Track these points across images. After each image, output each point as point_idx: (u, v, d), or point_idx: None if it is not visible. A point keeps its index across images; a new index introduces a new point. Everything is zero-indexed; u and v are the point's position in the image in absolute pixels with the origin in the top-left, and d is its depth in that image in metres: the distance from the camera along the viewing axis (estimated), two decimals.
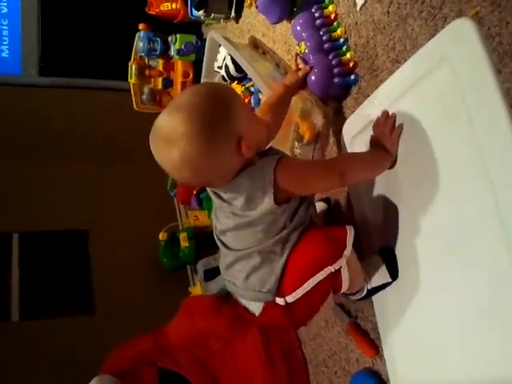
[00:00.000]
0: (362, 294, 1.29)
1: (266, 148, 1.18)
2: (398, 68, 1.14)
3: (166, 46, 2.52)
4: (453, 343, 1.06)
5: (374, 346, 1.32)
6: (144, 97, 2.64)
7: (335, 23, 1.38)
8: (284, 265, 1.11)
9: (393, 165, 1.18)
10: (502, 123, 0.88)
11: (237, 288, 1.21)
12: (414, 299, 1.17)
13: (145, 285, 2.69)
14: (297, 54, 1.41)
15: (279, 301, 1.12)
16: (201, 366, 1.77)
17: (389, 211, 1.23)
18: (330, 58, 1.33)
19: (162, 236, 2.59)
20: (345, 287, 1.17)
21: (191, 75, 2.53)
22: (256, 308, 1.18)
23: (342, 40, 1.36)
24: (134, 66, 2.54)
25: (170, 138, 0.98)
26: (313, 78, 1.35)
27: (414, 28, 1.09)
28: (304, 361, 1.69)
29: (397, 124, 1.16)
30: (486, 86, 0.90)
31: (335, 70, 1.33)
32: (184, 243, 2.50)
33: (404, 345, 1.20)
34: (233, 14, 2.08)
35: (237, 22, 2.10)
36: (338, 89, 1.36)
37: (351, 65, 1.32)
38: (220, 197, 1.12)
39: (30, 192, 2.80)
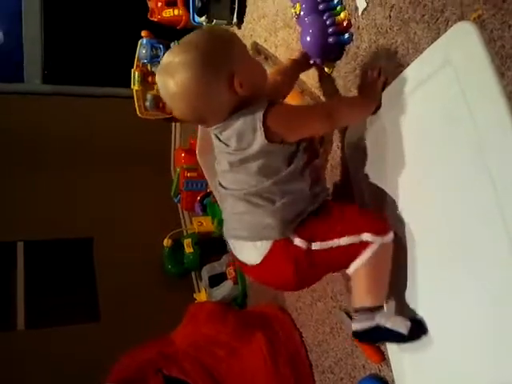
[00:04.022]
0: (372, 323, 1.14)
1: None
2: (400, 72, 1.13)
3: None
4: (460, 350, 1.04)
5: (379, 352, 1.30)
6: (147, 103, 2.62)
7: None
8: (286, 202, 1.10)
9: (376, 110, 1.22)
10: (505, 126, 0.87)
11: (240, 231, 1.17)
12: (420, 305, 1.16)
13: (150, 292, 2.68)
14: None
15: (300, 242, 1.10)
16: (206, 372, 1.77)
17: (391, 209, 1.22)
18: (325, 18, 1.33)
19: (167, 242, 2.59)
20: (356, 264, 1.11)
21: None
22: (258, 254, 1.14)
23: (336, 0, 1.36)
24: (136, 73, 2.53)
25: (169, 68, 1.08)
26: (308, 38, 1.35)
27: (417, 32, 1.08)
28: (310, 367, 1.69)
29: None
30: (489, 90, 0.90)
31: (330, 30, 1.33)
32: (188, 249, 2.50)
33: (410, 350, 1.19)
34: (234, 19, 2.08)
35: (239, 27, 2.10)
36: (333, 48, 1.36)
37: (345, 24, 1.33)
38: (219, 138, 1.15)
39: (34, 200, 2.81)
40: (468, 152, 0.97)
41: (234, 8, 2.04)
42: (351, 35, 1.32)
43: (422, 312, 1.14)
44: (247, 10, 2.00)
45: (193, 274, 2.82)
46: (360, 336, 1.17)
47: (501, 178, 0.90)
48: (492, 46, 0.90)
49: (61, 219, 2.78)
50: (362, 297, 1.15)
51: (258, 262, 1.15)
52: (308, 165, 1.15)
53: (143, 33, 2.47)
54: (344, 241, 1.09)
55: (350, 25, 1.33)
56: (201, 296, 2.37)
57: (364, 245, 1.09)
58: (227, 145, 1.13)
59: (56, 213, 2.79)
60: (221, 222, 2.41)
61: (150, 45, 2.47)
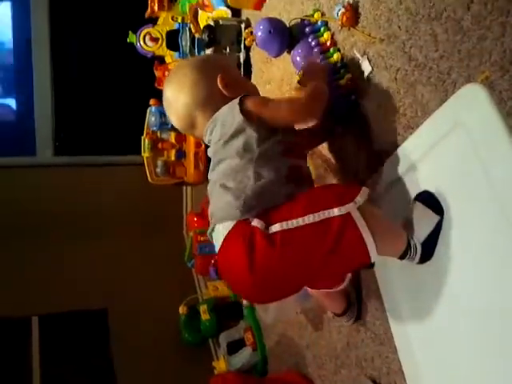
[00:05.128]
0: (418, 252, 1.10)
1: None
2: (410, 134, 1.12)
3: None
4: None
5: None
6: (158, 169, 2.65)
7: (331, 49, 1.41)
8: (255, 185, 1.08)
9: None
10: None
11: (214, 215, 1.13)
12: (451, 374, 1.10)
13: (167, 362, 2.62)
14: None
15: (257, 223, 1.03)
16: None
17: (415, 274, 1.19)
18: (329, 82, 1.34)
19: (182, 310, 2.54)
20: (367, 239, 1.00)
21: (203, 145, 2.56)
22: (222, 237, 1.08)
23: (338, 64, 1.38)
24: (146, 141, 2.57)
25: (169, 76, 1.32)
26: None
27: (424, 94, 1.08)
28: None
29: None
30: (504, 150, 0.88)
31: (335, 93, 1.33)
32: (205, 316, 2.45)
33: None
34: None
35: None
36: (339, 110, 1.36)
37: (349, 86, 1.34)
38: (210, 141, 1.23)
39: (48, 273, 2.82)
40: (486, 210, 0.95)
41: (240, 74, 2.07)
42: (356, 97, 1.33)
43: None
44: (252, 76, 2.03)
45: (210, 341, 2.76)
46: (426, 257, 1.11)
47: None
48: (503, 107, 0.89)
49: (74, 291, 2.76)
50: (394, 252, 1.11)
51: (220, 246, 1.09)
52: (285, 154, 1.15)
53: (152, 101, 2.52)
54: (309, 219, 1.00)
55: (354, 87, 1.33)
56: (220, 364, 2.30)
57: (345, 220, 1.00)
58: (215, 138, 1.20)
59: (69, 284, 2.78)
60: None
61: (158, 112, 2.52)
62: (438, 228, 1.08)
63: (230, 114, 1.16)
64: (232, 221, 1.07)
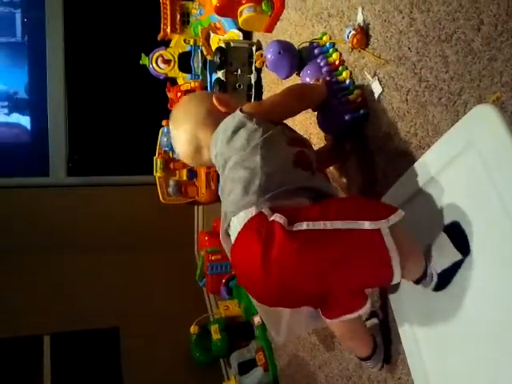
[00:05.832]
0: (434, 281, 1.07)
1: None
2: (421, 154, 1.13)
3: None
4: None
5: None
6: (170, 189, 2.67)
7: (340, 68, 1.44)
8: (265, 168, 1.10)
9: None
10: None
11: (228, 210, 1.12)
12: None
13: (178, 382, 2.61)
14: None
15: (278, 218, 0.99)
16: None
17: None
18: (339, 97, 1.38)
19: (193, 329, 2.54)
20: (394, 259, 0.97)
21: None
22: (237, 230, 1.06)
23: (348, 81, 1.41)
24: (158, 161, 2.59)
25: (173, 111, 1.40)
26: (324, 119, 1.44)
27: (435, 114, 1.09)
28: None
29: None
30: None
31: (345, 108, 1.36)
32: (216, 336, 2.45)
33: None
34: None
35: None
36: (350, 125, 1.38)
37: (359, 101, 1.36)
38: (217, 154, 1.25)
39: (59, 291, 2.83)
40: (498, 234, 0.94)
41: (251, 95, 2.10)
42: (366, 111, 1.34)
43: None
44: (263, 96, 2.05)
45: (221, 361, 2.74)
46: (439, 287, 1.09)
47: None
48: None
49: (85, 309, 2.77)
50: (412, 275, 1.08)
51: (234, 240, 1.07)
52: (289, 144, 1.19)
53: (164, 122, 2.55)
54: (337, 225, 0.97)
55: (364, 102, 1.35)
56: None
57: (374, 236, 0.97)
58: (219, 145, 1.23)
59: (81, 303, 2.79)
60: (247, 306, 2.38)
61: None
62: (458, 265, 1.04)
63: (230, 118, 1.23)
64: (246, 210, 1.06)
